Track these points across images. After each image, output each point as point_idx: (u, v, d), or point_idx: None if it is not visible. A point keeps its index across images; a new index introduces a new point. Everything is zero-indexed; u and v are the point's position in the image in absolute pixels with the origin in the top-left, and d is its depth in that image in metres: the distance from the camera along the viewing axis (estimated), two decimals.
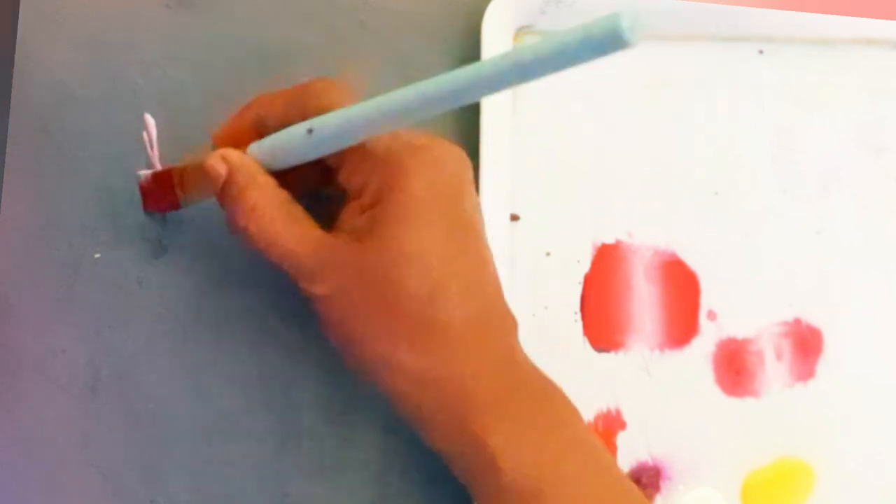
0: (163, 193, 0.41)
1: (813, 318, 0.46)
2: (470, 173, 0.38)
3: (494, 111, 0.44)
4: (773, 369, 0.46)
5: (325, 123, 0.36)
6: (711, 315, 0.46)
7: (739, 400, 0.45)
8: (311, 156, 0.37)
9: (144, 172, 0.41)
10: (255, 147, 0.38)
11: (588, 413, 0.45)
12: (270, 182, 0.38)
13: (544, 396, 0.38)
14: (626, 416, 0.45)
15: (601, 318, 0.45)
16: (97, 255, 0.42)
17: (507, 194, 0.44)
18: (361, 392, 0.43)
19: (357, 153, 0.37)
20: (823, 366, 0.46)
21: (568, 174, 0.46)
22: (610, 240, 0.45)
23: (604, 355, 0.45)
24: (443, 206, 0.37)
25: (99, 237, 0.42)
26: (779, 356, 0.46)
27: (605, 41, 0.29)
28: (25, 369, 0.41)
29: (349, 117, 0.35)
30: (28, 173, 0.42)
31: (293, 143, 0.37)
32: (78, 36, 0.43)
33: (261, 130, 0.39)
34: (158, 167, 0.41)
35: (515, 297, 0.44)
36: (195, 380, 0.42)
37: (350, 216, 0.37)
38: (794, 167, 0.47)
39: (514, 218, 0.45)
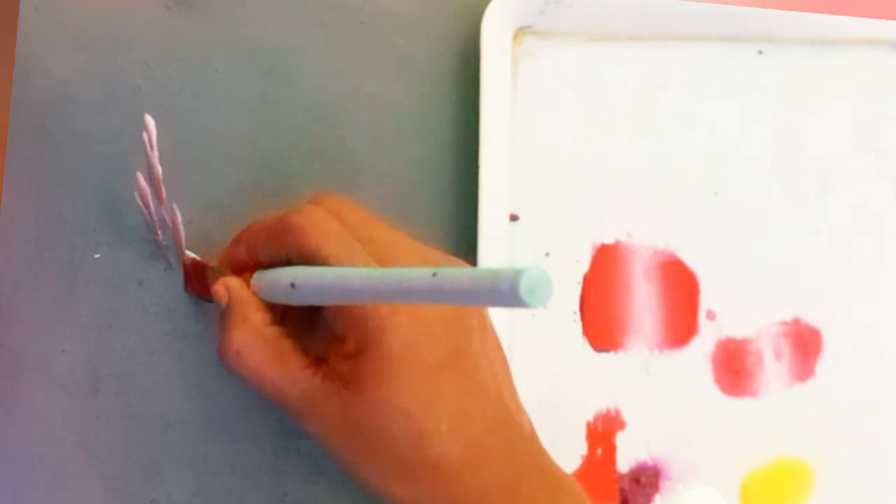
0: (199, 282, 0.41)
1: (812, 318, 0.46)
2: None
3: (494, 111, 0.44)
4: (773, 369, 0.46)
5: (306, 281, 0.36)
6: (710, 315, 0.46)
7: (738, 400, 0.46)
8: (297, 303, 0.37)
9: (190, 255, 0.42)
10: (256, 279, 0.39)
11: (587, 413, 0.45)
12: (262, 319, 0.38)
13: None
14: (626, 416, 0.45)
15: (600, 319, 0.45)
16: (97, 255, 0.42)
17: (507, 194, 0.44)
18: None
19: None
20: (823, 366, 0.46)
21: (568, 174, 0.46)
22: (609, 240, 0.45)
23: (603, 355, 0.45)
24: (425, 352, 0.36)
25: (99, 237, 0.42)
26: (778, 356, 0.46)
27: (503, 295, 0.28)
28: (25, 369, 0.41)
29: (327, 283, 0.35)
30: (28, 173, 0.42)
31: (279, 290, 0.37)
32: (78, 36, 0.43)
33: (254, 261, 0.39)
34: (158, 168, 0.41)
35: None
36: (195, 380, 0.42)
37: (334, 358, 0.37)
38: (794, 167, 0.47)
39: (514, 218, 0.45)
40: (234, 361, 0.37)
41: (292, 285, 0.36)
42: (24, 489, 0.41)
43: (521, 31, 0.45)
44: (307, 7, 0.44)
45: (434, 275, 0.30)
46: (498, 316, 0.41)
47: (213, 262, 0.41)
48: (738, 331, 0.46)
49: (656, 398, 0.45)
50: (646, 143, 0.46)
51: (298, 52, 0.44)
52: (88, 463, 0.41)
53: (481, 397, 0.38)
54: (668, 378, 0.45)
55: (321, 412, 0.37)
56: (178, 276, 0.42)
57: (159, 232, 0.42)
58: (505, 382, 0.39)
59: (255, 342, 0.37)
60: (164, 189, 0.41)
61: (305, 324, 0.39)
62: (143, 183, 0.41)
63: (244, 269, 0.40)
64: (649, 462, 0.45)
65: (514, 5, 0.44)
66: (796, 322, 0.46)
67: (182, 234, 0.42)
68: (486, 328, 0.39)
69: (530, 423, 0.39)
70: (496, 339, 0.39)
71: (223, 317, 0.38)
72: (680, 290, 0.46)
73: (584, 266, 0.45)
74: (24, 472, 0.41)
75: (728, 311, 0.46)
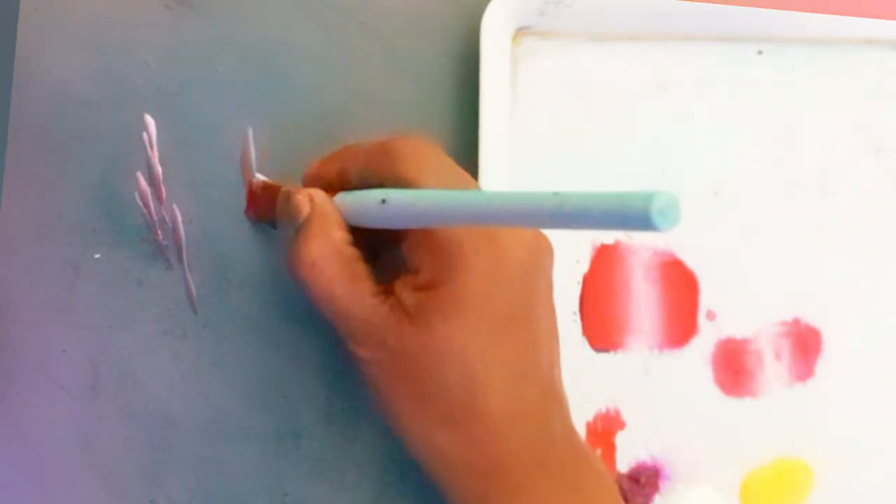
0: (265, 205, 0.42)
1: (812, 317, 0.46)
2: (541, 260, 0.38)
3: (494, 111, 0.44)
4: (772, 369, 0.46)
5: (399, 200, 0.36)
6: (710, 315, 0.46)
7: (738, 400, 0.46)
8: (383, 225, 0.37)
9: (260, 178, 0.42)
10: (340, 198, 0.38)
11: (587, 413, 0.45)
12: (341, 237, 0.38)
13: (576, 484, 0.37)
14: (625, 416, 0.45)
15: (600, 319, 0.45)
16: (97, 255, 0.42)
17: None
18: (361, 392, 0.43)
19: (419, 230, 0.37)
20: (822, 366, 0.46)
21: (568, 174, 0.46)
22: (609, 240, 0.45)
23: (602, 355, 0.45)
24: (497, 301, 0.36)
25: (99, 237, 0.42)
26: (778, 356, 0.46)
27: (632, 218, 0.28)
28: (25, 369, 0.41)
29: (419, 204, 0.35)
30: (28, 173, 0.42)
31: (367, 207, 0.37)
32: (78, 36, 0.43)
33: (342, 184, 0.39)
34: (158, 168, 0.41)
35: None
36: (195, 380, 0.42)
37: (403, 289, 0.37)
38: (794, 167, 0.47)
39: None
40: (307, 273, 0.37)
41: (383, 201, 0.36)
42: (24, 489, 0.41)
43: (521, 31, 0.45)
44: (307, 7, 0.44)
45: (555, 195, 0.29)
46: None
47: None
48: (738, 331, 0.46)
49: (656, 398, 0.45)
50: (646, 143, 0.46)
51: (298, 52, 0.44)
52: (88, 463, 0.41)
53: (535, 362, 0.38)
54: (668, 378, 0.45)
55: (381, 340, 0.37)
56: (178, 276, 0.42)
57: (159, 232, 0.42)
58: (555, 354, 0.39)
59: (333, 257, 0.37)
60: (164, 189, 0.42)
61: (371, 255, 0.39)
62: (143, 183, 0.41)
63: (328, 191, 0.39)
64: (649, 462, 0.45)
65: (514, 5, 0.44)
66: (796, 322, 0.46)
67: (182, 234, 0.42)
68: (551, 295, 0.39)
69: (566, 400, 0.39)
70: (555, 309, 0.39)
71: (302, 227, 0.38)
72: (680, 290, 0.46)
73: (584, 266, 0.45)
74: (24, 472, 0.41)
75: (728, 311, 0.46)
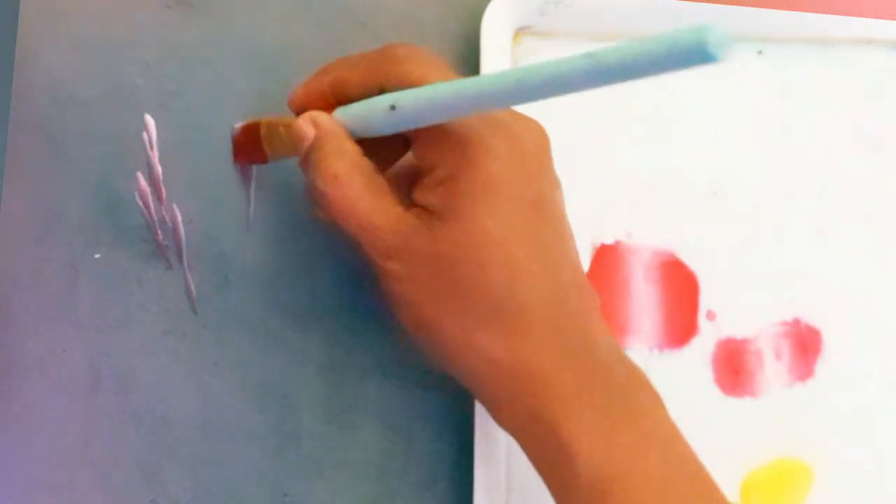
0: (251, 146, 0.41)
1: (812, 317, 0.46)
2: (549, 148, 0.37)
3: None
4: (772, 369, 0.46)
5: (408, 100, 0.35)
6: (710, 315, 0.46)
7: (738, 400, 0.46)
8: (393, 130, 0.36)
9: (238, 124, 0.42)
10: (341, 113, 0.38)
11: None
12: (356, 150, 0.37)
13: (624, 385, 0.36)
14: None
15: None
16: (97, 255, 0.42)
17: None
18: (361, 392, 0.43)
19: (432, 127, 0.36)
20: (822, 366, 0.46)
21: (568, 174, 0.46)
22: (609, 240, 0.45)
23: None
24: (521, 185, 0.35)
25: (99, 237, 0.42)
26: (778, 356, 0.46)
27: (690, 53, 0.28)
28: (25, 369, 0.41)
29: (434, 98, 0.34)
30: (28, 173, 0.42)
31: (375, 115, 0.36)
32: (78, 36, 0.43)
33: (338, 95, 0.38)
34: (158, 168, 0.41)
35: None
36: (195, 380, 0.42)
37: (424, 193, 0.36)
38: (794, 167, 0.47)
39: None
40: (330, 187, 0.36)
41: (392, 107, 0.35)
42: (24, 489, 0.41)
43: (521, 31, 0.45)
44: (307, 7, 0.44)
45: (589, 55, 0.29)
46: None
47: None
48: (738, 331, 0.46)
49: None
50: (646, 143, 0.46)
51: (298, 52, 0.44)
52: (88, 462, 0.41)
53: (564, 250, 0.37)
54: (668, 378, 0.45)
55: (412, 248, 0.35)
56: (178, 276, 0.42)
57: (159, 232, 0.42)
58: (575, 246, 0.37)
59: (354, 170, 0.36)
60: (164, 189, 0.42)
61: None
62: (143, 183, 0.41)
63: (320, 105, 0.38)
64: None
65: (514, 5, 0.44)
66: (796, 322, 0.46)
67: (182, 234, 0.42)
68: (560, 184, 0.37)
69: (597, 294, 0.38)
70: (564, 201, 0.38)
71: (313, 149, 0.37)
72: (680, 290, 0.46)
73: (585, 266, 0.45)
74: (24, 472, 0.41)
75: (728, 311, 0.46)
